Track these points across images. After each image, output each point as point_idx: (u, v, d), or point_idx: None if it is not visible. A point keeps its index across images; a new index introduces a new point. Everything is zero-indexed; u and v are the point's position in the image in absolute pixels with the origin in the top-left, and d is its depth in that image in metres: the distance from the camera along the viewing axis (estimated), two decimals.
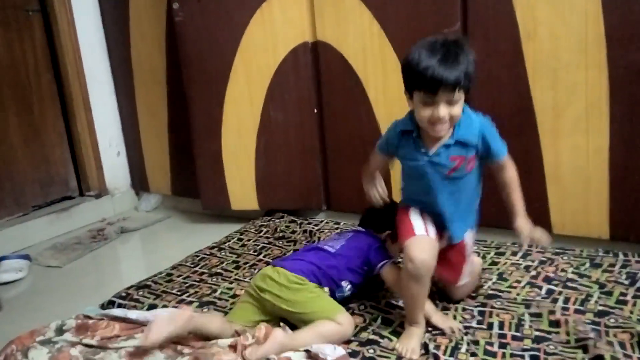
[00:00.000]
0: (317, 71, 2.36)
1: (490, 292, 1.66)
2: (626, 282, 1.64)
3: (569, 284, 1.66)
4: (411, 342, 1.39)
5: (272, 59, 2.37)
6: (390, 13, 2.10)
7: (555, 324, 1.44)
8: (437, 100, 1.29)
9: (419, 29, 2.05)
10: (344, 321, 1.43)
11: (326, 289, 1.52)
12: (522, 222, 1.41)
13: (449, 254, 1.49)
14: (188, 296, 1.83)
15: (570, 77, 1.82)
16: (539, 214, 1.94)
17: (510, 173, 1.43)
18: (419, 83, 1.30)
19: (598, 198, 1.86)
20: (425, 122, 1.34)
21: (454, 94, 1.28)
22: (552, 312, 1.49)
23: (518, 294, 1.63)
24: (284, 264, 1.55)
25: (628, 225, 1.84)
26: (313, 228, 2.35)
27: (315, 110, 2.40)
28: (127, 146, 3.05)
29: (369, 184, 1.65)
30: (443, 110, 1.29)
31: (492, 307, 1.57)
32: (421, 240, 1.37)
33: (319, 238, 2.21)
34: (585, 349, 1.31)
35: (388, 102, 2.21)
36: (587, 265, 1.78)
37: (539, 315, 1.49)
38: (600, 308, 1.50)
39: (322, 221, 2.45)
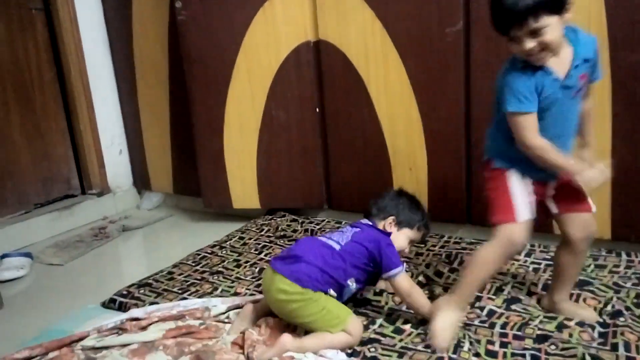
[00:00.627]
0: (319, 70, 2.36)
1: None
2: (636, 284, 1.63)
3: (585, 287, 1.64)
4: (446, 332, 1.37)
5: (275, 58, 2.38)
6: (392, 12, 2.10)
7: (563, 326, 1.43)
8: (518, 36, 1.20)
9: (420, 28, 2.05)
10: (353, 331, 1.41)
11: (332, 291, 1.47)
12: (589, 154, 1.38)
13: (568, 188, 1.39)
14: (189, 294, 1.84)
15: None
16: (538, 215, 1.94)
17: (592, 101, 1.39)
18: (493, 22, 1.24)
19: (600, 198, 1.85)
20: (524, 56, 1.24)
21: (533, 24, 1.17)
22: (567, 319, 1.46)
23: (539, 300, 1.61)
24: (284, 269, 1.45)
25: (630, 225, 1.84)
26: (314, 227, 2.35)
27: (317, 109, 2.41)
28: (129, 144, 3.06)
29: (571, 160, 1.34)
30: (529, 44, 1.20)
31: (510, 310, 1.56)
32: (526, 226, 1.34)
33: None
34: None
35: (390, 101, 2.21)
36: (592, 266, 1.78)
37: (553, 318, 1.48)
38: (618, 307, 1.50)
39: (323, 220, 2.45)
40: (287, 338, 1.37)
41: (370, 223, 1.66)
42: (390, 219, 1.65)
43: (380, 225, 1.65)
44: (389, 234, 1.61)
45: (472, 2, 1.93)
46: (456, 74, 2.04)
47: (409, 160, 2.23)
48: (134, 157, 3.07)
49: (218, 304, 1.68)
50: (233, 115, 2.48)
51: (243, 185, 2.55)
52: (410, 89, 2.15)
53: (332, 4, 2.23)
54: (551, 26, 1.18)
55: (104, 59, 2.93)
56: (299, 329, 1.48)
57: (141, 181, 3.07)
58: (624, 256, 1.81)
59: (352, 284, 1.51)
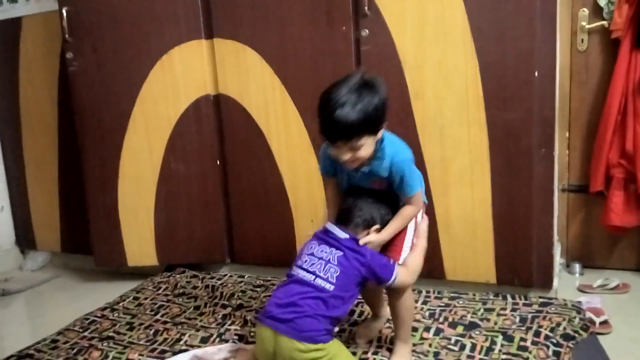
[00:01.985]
0: (219, 123, 2.36)
1: None
2: (521, 325, 1.74)
3: (473, 330, 1.73)
4: None
5: (173, 110, 2.35)
6: (290, 70, 2.17)
7: None
8: (339, 146, 1.39)
9: (317, 85, 2.09)
10: None
11: (336, 329, 1.51)
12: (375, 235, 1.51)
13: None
14: None
15: (454, 133, 1.97)
16: (433, 261, 2.04)
17: (406, 210, 1.52)
18: (321, 130, 1.40)
19: (484, 245, 1.99)
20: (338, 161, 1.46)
21: (353, 142, 1.36)
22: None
23: (430, 345, 1.66)
24: (288, 330, 1.37)
25: (512, 270, 1.97)
26: (216, 282, 2.29)
27: (218, 162, 2.39)
28: (12, 200, 2.85)
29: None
30: (346, 156, 1.39)
31: None
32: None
33: (221, 293, 2.16)
34: None
35: (291, 154, 2.25)
36: (482, 310, 1.87)
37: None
38: (504, 357, 1.58)
39: (225, 275, 2.40)
40: None
41: (348, 236, 1.49)
42: (375, 227, 1.52)
43: (362, 235, 1.50)
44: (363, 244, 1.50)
45: (364, 63, 2.03)
46: None
47: (311, 212, 2.27)
48: (17, 214, 2.86)
49: None
50: (129, 168, 2.39)
51: (139, 241, 2.44)
52: (309, 142, 2.21)
53: (231, 59, 2.26)
54: (367, 144, 1.39)
55: None
56: None
57: (25, 239, 2.85)
58: (509, 299, 1.94)
59: (349, 308, 1.50)
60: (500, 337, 1.66)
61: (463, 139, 1.96)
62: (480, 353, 1.60)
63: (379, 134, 1.41)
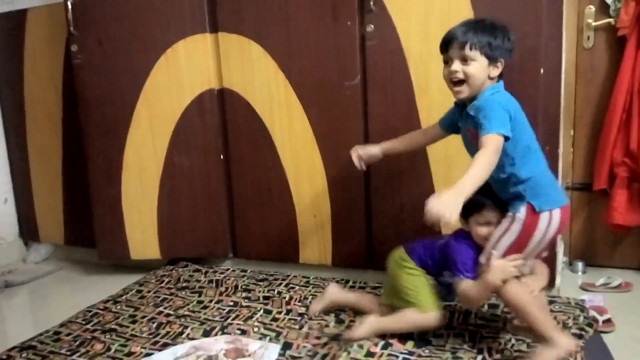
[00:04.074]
0: (223, 117, 2.36)
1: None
2: None
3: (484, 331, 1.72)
4: None
5: (177, 105, 2.35)
6: (294, 65, 2.17)
7: None
8: (450, 57, 1.45)
9: (321, 81, 2.13)
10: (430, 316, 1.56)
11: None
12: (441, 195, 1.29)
13: None
14: (79, 356, 1.70)
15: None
16: None
17: (480, 154, 1.32)
18: (441, 43, 1.48)
19: None
20: (448, 83, 1.50)
21: (465, 51, 1.42)
22: None
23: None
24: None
25: None
26: (219, 277, 2.29)
27: (222, 156, 2.39)
28: (16, 192, 2.85)
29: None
30: (456, 65, 1.44)
31: None
32: None
33: (226, 288, 2.16)
34: None
35: (294, 148, 2.25)
36: (486, 306, 1.87)
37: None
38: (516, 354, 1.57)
39: (228, 269, 2.40)
40: (372, 318, 1.63)
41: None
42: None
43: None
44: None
45: (368, 59, 2.04)
46: (355, 123, 2.12)
47: (313, 207, 2.27)
48: (20, 206, 2.86)
49: None
50: (132, 162, 2.40)
51: (142, 235, 2.44)
52: (313, 137, 2.20)
53: (236, 53, 2.26)
54: (478, 62, 1.43)
55: None
56: None
57: (28, 232, 2.86)
58: None
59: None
60: (512, 339, 1.65)
61: None
62: (496, 353, 1.59)
63: (493, 71, 1.45)
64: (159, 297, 2.15)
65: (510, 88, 1.86)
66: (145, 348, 1.73)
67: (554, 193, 1.46)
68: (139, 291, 2.21)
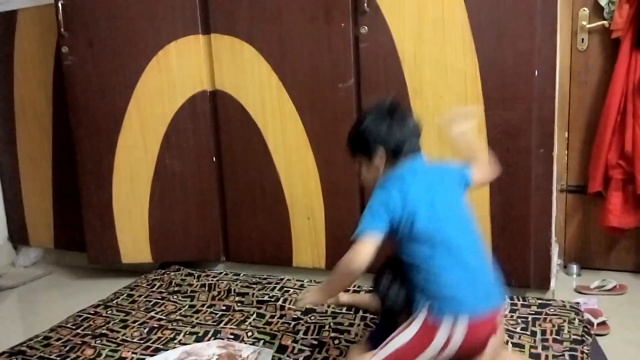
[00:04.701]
0: (215, 120, 2.34)
1: None
2: (525, 328, 1.71)
3: None
4: None
5: (169, 107, 2.32)
6: (288, 66, 2.15)
7: None
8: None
9: (315, 83, 2.12)
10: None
11: None
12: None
13: None
14: None
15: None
16: None
17: (343, 259, 1.25)
18: None
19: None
20: None
21: (356, 158, 1.40)
22: None
23: None
24: None
25: (509, 270, 1.95)
26: (212, 280, 2.27)
27: (214, 159, 2.37)
28: (5, 195, 2.82)
29: None
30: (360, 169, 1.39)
31: None
32: None
33: (219, 292, 2.14)
34: None
35: (287, 151, 2.23)
36: None
37: None
38: None
39: (221, 273, 2.38)
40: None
41: None
42: None
43: None
44: None
45: (362, 60, 2.03)
46: (349, 125, 2.08)
47: (307, 210, 2.25)
48: (10, 209, 2.82)
49: None
50: (123, 165, 2.37)
51: (133, 238, 2.41)
52: (307, 139, 2.19)
53: (228, 55, 2.24)
54: (364, 165, 1.37)
55: None
56: None
57: (18, 235, 2.82)
58: (507, 300, 1.92)
59: None
60: (510, 343, 1.63)
61: None
62: None
63: (376, 161, 1.32)
64: (150, 301, 2.12)
65: (503, 91, 1.87)
66: (136, 353, 1.70)
67: (465, 295, 1.18)
68: (130, 295, 2.19)
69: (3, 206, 2.82)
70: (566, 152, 2.34)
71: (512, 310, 1.84)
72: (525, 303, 1.89)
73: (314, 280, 2.22)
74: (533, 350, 1.59)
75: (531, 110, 1.86)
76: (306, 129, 2.18)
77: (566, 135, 2.33)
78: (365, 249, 1.22)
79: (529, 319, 1.78)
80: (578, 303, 1.88)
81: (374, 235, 1.22)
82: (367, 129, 1.34)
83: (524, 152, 1.88)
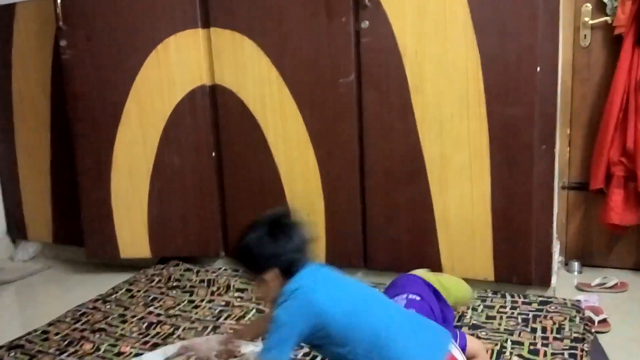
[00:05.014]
0: (215, 115, 2.32)
1: None
2: (525, 326, 1.70)
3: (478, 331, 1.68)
4: None
5: (168, 101, 2.31)
6: (289, 62, 2.13)
7: None
8: None
9: (315, 78, 2.10)
10: None
11: None
12: None
13: None
14: (67, 355, 1.67)
15: (454, 128, 1.94)
16: (431, 257, 2.02)
17: None
18: None
19: (482, 243, 1.97)
20: None
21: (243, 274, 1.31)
22: None
23: None
24: None
25: (510, 267, 1.96)
26: (211, 276, 2.26)
27: (214, 154, 2.35)
28: (4, 189, 2.82)
29: None
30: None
31: None
32: None
33: (218, 287, 2.13)
34: None
35: (287, 147, 2.22)
36: (482, 306, 1.85)
37: None
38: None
39: (220, 268, 2.37)
40: None
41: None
42: None
43: None
44: None
45: (363, 56, 2.01)
46: (350, 121, 2.09)
47: (307, 206, 2.23)
48: (8, 203, 2.82)
49: None
50: (122, 160, 2.36)
51: (132, 233, 2.40)
52: (307, 135, 2.17)
53: (228, 49, 2.22)
54: (257, 286, 1.28)
55: None
56: None
57: (16, 229, 2.82)
58: (508, 297, 1.92)
59: None
60: (509, 340, 1.62)
61: (463, 134, 1.93)
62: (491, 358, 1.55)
63: (272, 282, 1.23)
64: (149, 296, 2.11)
65: (505, 87, 1.86)
66: (135, 348, 1.70)
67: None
68: (128, 290, 2.18)
69: (1, 200, 2.82)
70: (568, 148, 2.33)
71: (513, 308, 1.84)
72: (526, 300, 1.88)
73: None
74: (532, 347, 1.59)
75: (533, 106, 1.84)
76: (306, 125, 2.16)
77: (568, 132, 2.32)
78: None
79: (530, 316, 1.77)
80: (579, 300, 1.88)
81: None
82: (255, 250, 1.24)
83: (525, 148, 1.87)
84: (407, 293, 1.51)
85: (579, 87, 2.27)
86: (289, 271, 1.23)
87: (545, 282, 1.94)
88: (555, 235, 2.01)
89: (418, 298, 1.49)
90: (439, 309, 1.52)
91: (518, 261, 1.94)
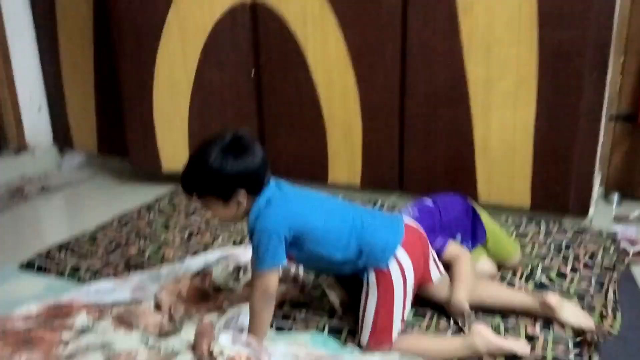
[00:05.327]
0: (255, 33, 2.29)
1: None
2: (557, 253, 1.71)
3: None
4: None
5: (208, 18, 2.28)
6: None
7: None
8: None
9: None
10: None
11: None
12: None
13: None
14: (114, 258, 1.77)
15: (502, 52, 1.87)
16: (467, 183, 2.02)
17: (251, 300, 1.25)
18: None
19: (522, 170, 1.95)
20: None
21: (198, 201, 1.29)
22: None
23: None
24: None
25: (548, 195, 1.95)
26: None
27: (253, 73, 2.34)
28: (50, 101, 2.87)
29: None
30: (207, 212, 1.29)
31: None
32: None
33: None
34: None
35: (327, 67, 2.19)
36: (514, 234, 1.86)
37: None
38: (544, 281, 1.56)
39: None
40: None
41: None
42: None
43: None
44: None
45: None
46: (393, 42, 2.04)
47: (344, 127, 2.24)
48: (54, 115, 2.89)
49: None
50: (163, 75, 2.37)
51: (174, 147, 2.46)
52: (348, 56, 2.13)
53: None
54: (214, 205, 1.26)
55: (23, 10, 2.71)
56: None
57: (63, 140, 2.90)
58: (542, 225, 1.92)
59: None
60: (539, 265, 1.64)
61: (511, 58, 1.87)
62: (520, 280, 1.58)
63: (241, 201, 1.23)
64: (190, 208, 2.19)
65: (560, 9, 1.76)
66: (178, 254, 1.79)
67: (386, 240, 1.29)
68: (170, 201, 2.27)
69: (47, 111, 2.88)
70: (620, 76, 2.22)
71: (547, 235, 1.85)
72: (561, 229, 1.88)
73: (348, 198, 2.25)
74: (562, 270, 1.61)
75: (587, 30, 1.76)
76: (348, 46, 2.12)
77: (622, 60, 2.20)
78: (273, 278, 1.24)
79: (563, 244, 1.78)
80: (615, 232, 1.87)
81: (277, 266, 1.25)
82: (222, 171, 1.21)
83: (575, 75, 1.80)
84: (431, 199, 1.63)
85: (637, 12, 2.14)
86: (255, 189, 1.24)
87: (582, 211, 1.93)
88: (597, 165, 1.97)
89: (431, 204, 1.61)
90: (467, 224, 1.58)
91: (557, 189, 1.92)
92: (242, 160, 1.22)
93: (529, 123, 1.90)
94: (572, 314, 1.34)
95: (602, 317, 1.38)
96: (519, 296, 1.43)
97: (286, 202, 1.26)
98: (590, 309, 1.41)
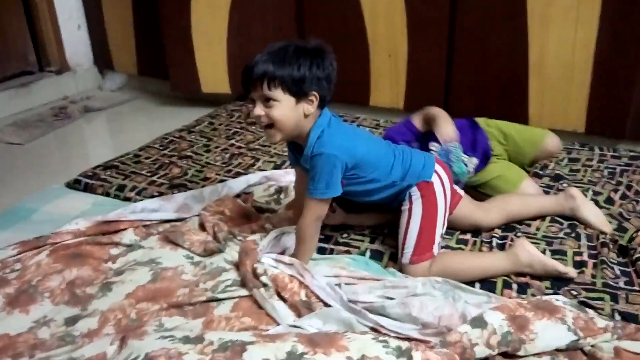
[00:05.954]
0: None
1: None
2: (610, 178, 1.64)
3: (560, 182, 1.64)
4: None
5: None
6: None
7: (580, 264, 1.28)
8: (252, 98, 1.21)
9: None
10: None
11: None
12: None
13: None
14: (158, 177, 1.80)
15: None
16: (518, 105, 1.93)
17: (300, 224, 1.25)
18: (241, 81, 1.24)
19: (579, 92, 1.84)
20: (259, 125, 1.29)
21: (264, 91, 1.17)
22: (577, 254, 1.31)
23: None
24: None
25: (604, 120, 1.85)
26: None
27: None
28: (89, 19, 2.83)
29: None
30: (258, 109, 1.20)
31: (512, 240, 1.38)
32: None
33: None
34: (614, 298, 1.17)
35: None
36: (566, 160, 1.79)
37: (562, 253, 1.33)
38: None
39: None
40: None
41: None
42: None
43: None
44: None
45: None
46: None
47: (389, 47, 2.14)
48: (93, 34, 2.86)
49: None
50: None
51: (213, 69, 2.42)
52: None
53: None
54: (282, 103, 1.18)
55: None
56: None
57: (103, 60, 2.89)
58: (596, 150, 1.83)
59: None
60: (590, 191, 1.58)
61: None
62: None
63: (306, 107, 1.19)
64: (230, 130, 2.18)
65: None
66: (219, 175, 1.80)
67: (424, 158, 1.34)
68: (211, 123, 2.26)
69: (87, 31, 2.86)
70: None
71: (600, 161, 1.76)
72: (616, 154, 1.79)
73: (390, 121, 2.19)
74: (612, 195, 1.55)
75: None
76: None
77: None
78: (327, 206, 1.25)
79: (617, 170, 1.70)
80: None
81: (334, 196, 1.23)
82: (310, 66, 1.16)
83: None
84: None
85: None
86: (325, 100, 1.21)
87: (619, 134, 1.83)
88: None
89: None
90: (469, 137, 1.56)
91: (614, 113, 1.82)
92: (328, 64, 1.20)
93: (590, 41, 1.77)
94: (593, 214, 1.40)
95: None
96: (547, 200, 1.48)
97: (345, 131, 1.26)
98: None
